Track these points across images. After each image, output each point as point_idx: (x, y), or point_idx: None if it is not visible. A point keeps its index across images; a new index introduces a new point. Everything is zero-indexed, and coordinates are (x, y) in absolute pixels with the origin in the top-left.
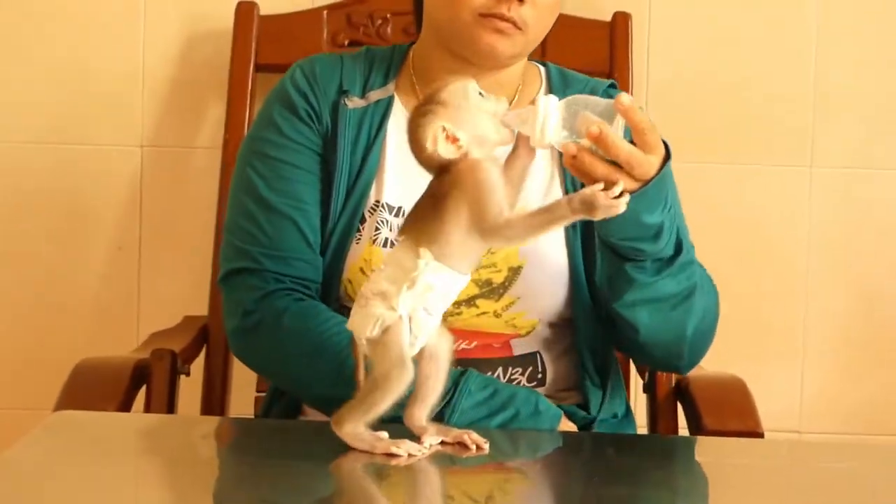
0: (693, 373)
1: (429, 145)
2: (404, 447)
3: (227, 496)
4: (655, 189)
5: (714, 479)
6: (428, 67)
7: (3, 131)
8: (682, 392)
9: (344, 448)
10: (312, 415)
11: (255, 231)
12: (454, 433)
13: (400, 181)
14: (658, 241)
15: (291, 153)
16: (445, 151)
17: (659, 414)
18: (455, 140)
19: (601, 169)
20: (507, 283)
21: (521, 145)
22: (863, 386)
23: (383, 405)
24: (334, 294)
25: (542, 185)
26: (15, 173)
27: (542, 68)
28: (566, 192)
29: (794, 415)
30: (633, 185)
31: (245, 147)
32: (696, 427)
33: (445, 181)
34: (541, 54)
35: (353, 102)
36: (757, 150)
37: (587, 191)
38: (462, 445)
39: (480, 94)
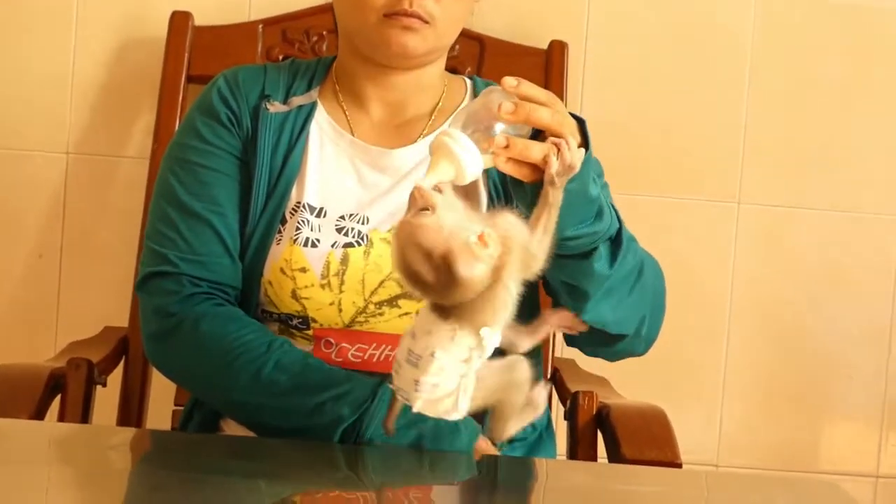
0: (614, 401)
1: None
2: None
3: None
4: (587, 158)
5: None
6: (349, 76)
7: None
8: (603, 420)
9: (258, 463)
10: (230, 429)
11: (174, 235)
12: None
13: (321, 183)
14: (603, 218)
15: (211, 158)
16: (489, 255)
17: (579, 441)
18: (483, 238)
19: (537, 147)
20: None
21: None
22: (781, 423)
23: None
24: (255, 296)
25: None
26: None
27: (468, 81)
28: (489, 193)
29: (712, 449)
30: (580, 154)
31: (167, 153)
32: (615, 455)
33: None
34: (475, 72)
35: (275, 107)
36: (686, 184)
37: (550, 161)
38: None
39: (437, 188)
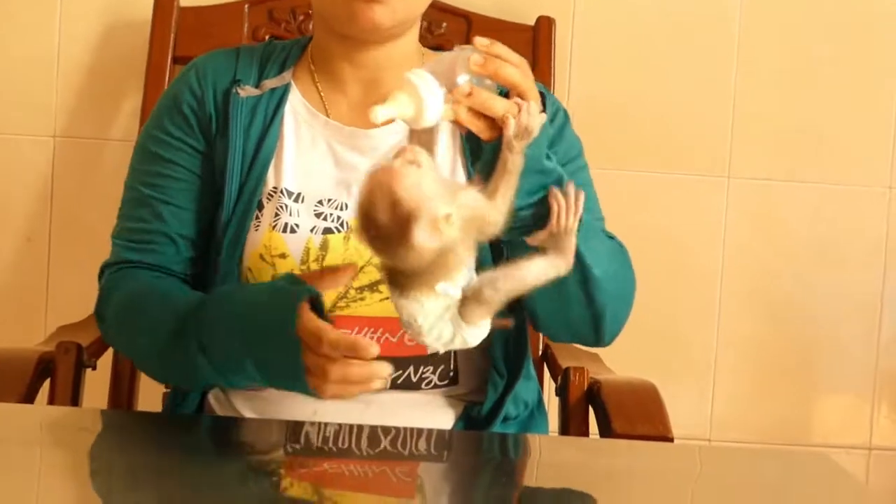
0: (605, 377)
1: (435, 243)
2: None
3: (123, 488)
4: (545, 129)
5: (622, 483)
6: (324, 55)
7: None
8: (594, 395)
9: (245, 444)
10: (218, 410)
11: (125, 224)
12: None
13: (298, 167)
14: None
15: (170, 150)
16: (451, 232)
17: (571, 417)
18: (448, 216)
19: (500, 102)
20: None
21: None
22: (772, 397)
23: None
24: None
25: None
26: None
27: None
28: (468, 175)
29: (703, 424)
30: (540, 118)
31: (137, 140)
32: (606, 431)
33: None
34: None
35: (246, 91)
36: (675, 159)
37: (509, 121)
38: None
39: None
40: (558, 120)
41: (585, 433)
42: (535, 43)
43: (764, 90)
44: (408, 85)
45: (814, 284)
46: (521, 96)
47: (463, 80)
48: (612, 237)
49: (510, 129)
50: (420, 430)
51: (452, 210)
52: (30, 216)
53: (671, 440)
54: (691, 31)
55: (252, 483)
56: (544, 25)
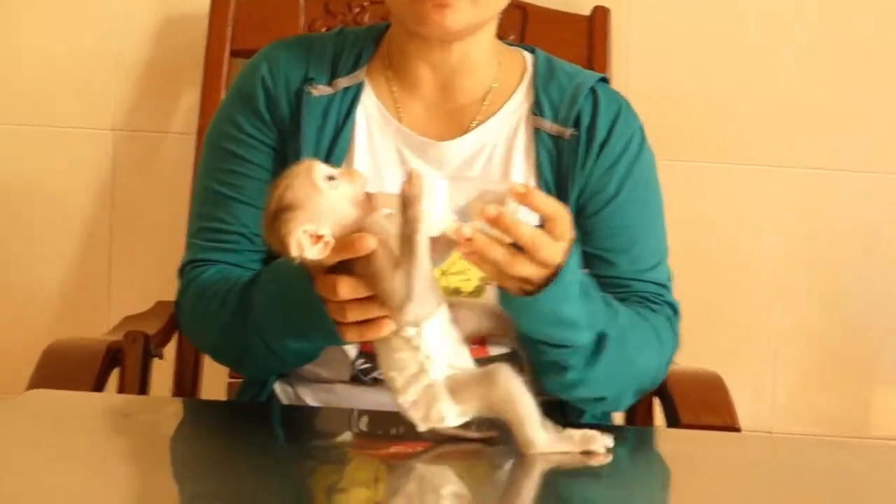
0: (671, 368)
1: (296, 254)
2: (600, 441)
3: (190, 475)
4: (571, 276)
5: (687, 472)
6: (399, 52)
7: None
8: (660, 387)
9: (311, 432)
10: (284, 399)
11: (202, 223)
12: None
13: (371, 170)
14: (580, 334)
15: (243, 146)
16: (314, 253)
17: (636, 408)
18: (319, 238)
19: (498, 251)
20: (476, 293)
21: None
22: (833, 389)
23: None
24: None
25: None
26: None
27: (528, 55)
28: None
29: (764, 416)
30: (537, 272)
31: (206, 135)
32: (673, 421)
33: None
34: (518, 40)
35: (319, 90)
36: (730, 149)
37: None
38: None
39: (330, 177)
40: (632, 146)
41: (650, 424)
42: (591, 33)
43: (813, 77)
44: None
45: (873, 275)
46: (532, 249)
47: (467, 218)
48: (657, 296)
49: (417, 208)
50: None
51: (326, 231)
52: (91, 210)
53: (738, 430)
54: (744, 20)
55: (321, 467)
56: (600, 15)
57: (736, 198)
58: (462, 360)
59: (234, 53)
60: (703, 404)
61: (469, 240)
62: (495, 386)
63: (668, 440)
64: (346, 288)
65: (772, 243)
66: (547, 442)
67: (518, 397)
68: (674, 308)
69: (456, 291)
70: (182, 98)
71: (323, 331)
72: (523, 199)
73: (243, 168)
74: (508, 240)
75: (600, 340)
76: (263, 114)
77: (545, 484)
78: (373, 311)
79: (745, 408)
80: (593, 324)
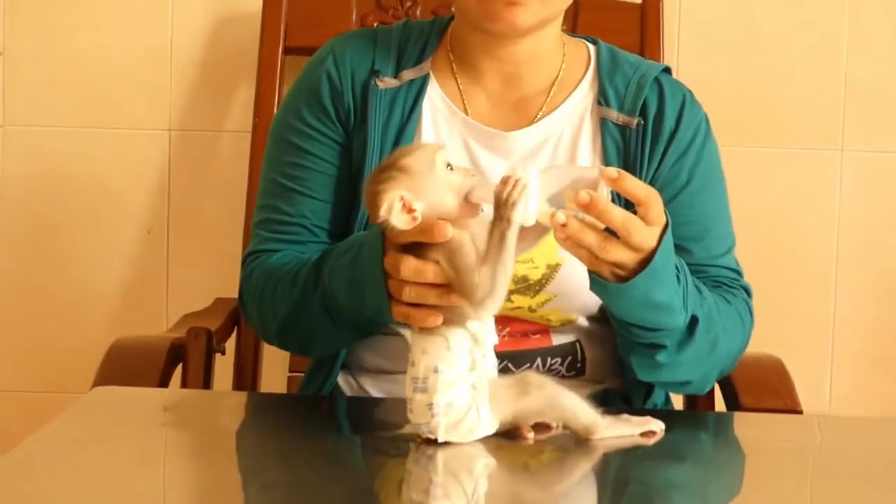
0: None
1: (383, 212)
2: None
3: (256, 467)
4: (663, 261)
5: (753, 454)
6: (463, 45)
7: (31, 115)
8: None
9: (375, 425)
10: (347, 393)
11: (264, 215)
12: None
13: None
14: (674, 317)
15: (309, 141)
16: (399, 221)
17: (697, 396)
18: (411, 210)
19: (592, 236)
20: (543, 281)
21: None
22: (891, 376)
23: None
24: None
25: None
26: (43, 157)
27: (591, 47)
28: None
29: (822, 403)
30: (630, 256)
31: (271, 127)
32: (734, 406)
33: (430, 256)
34: (570, 29)
35: (385, 83)
36: (787, 133)
37: (512, 196)
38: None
39: (449, 165)
40: (700, 135)
41: (711, 409)
42: (643, 22)
43: (876, 59)
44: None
45: None
46: (625, 233)
47: (559, 205)
48: (733, 280)
49: (510, 210)
50: None
51: (419, 207)
52: (148, 209)
53: (800, 413)
54: (800, 3)
55: (387, 460)
56: (652, 4)
57: (792, 184)
58: (491, 365)
59: (288, 51)
60: (764, 388)
61: (564, 225)
62: (534, 391)
63: (734, 424)
64: (409, 269)
65: (830, 228)
66: (606, 425)
67: (560, 394)
68: (748, 291)
69: (524, 279)
70: (236, 97)
71: (376, 302)
72: (616, 183)
73: (307, 161)
74: (602, 225)
75: (692, 324)
76: (328, 107)
77: (619, 467)
78: (429, 298)
79: (802, 396)
80: (686, 307)
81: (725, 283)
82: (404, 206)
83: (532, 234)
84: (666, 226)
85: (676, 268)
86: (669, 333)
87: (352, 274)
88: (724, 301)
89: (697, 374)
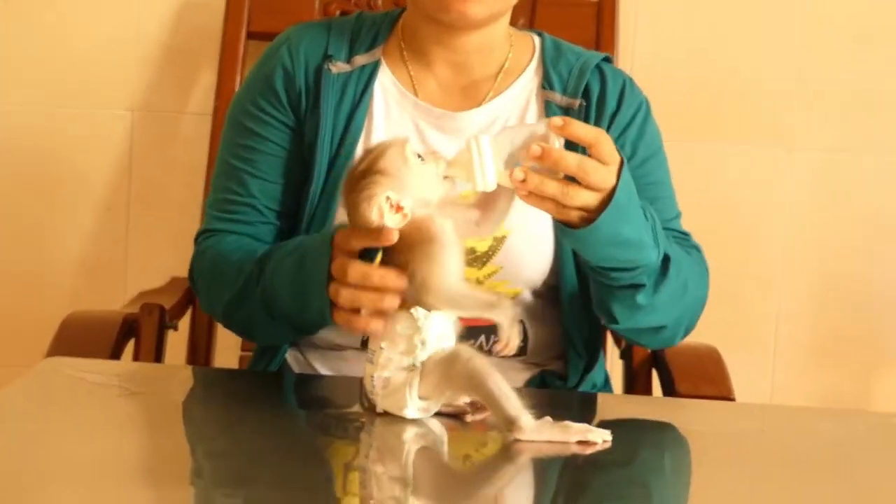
0: None
1: (374, 217)
2: (598, 433)
3: (201, 437)
4: (626, 196)
5: (684, 440)
6: (414, 34)
7: None
8: (658, 359)
9: (320, 401)
10: (295, 370)
11: (217, 195)
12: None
13: None
14: (647, 252)
15: (262, 125)
16: (392, 221)
17: (635, 380)
18: (400, 208)
19: (552, 185)
20: (490, 252)
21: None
22: (834, 370)
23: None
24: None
25: None
26: (5, 135)
27: (536, 38)
28: None
29: (764, 395)
30: (593, 197)
31: (228, 111)
32: (670, 392)
33: (400, 245)
34: (528, 24)
35: (338, 67)
36: (739, 130)
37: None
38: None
39: (419, 156)
40: (640, 114)
41: (648, 394)
42: (600, 18)
43: (830, 57)
44: (466, 151)
45: (878, 257)
46: (582, 174)
47: (518, 164)
48: (685, 239)
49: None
50: None
51: (407, 204)
52: (109, 187)
53: (733, 400)
54: (755, 1)
55: (331, 435)
56: (608, 0)
57: (741, 178)
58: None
59: (251, 36)
60: (700, 376)
61: (523, 181)
62: (457, 364)
63: (666, 409)
64: (356, 273)
65: (779, 226)
66: (534, 428)
67: (483, 373)
68: (699, 250)
69: (471, 251)
70: (199, 80)
71: (320, 306)
72: (563, 130)
73: (259, 144)
74: (560, 174)
75: (664, 263)
76: (280, 93)
77: (559, 457)
78: (364, 303)
79: (744, 387)
80: (657, 243)
81: (678, 241)
82: (392, 206)
83: (500, 199)
84: (622, 163)
85: (643, 208)
86: (646, 270)
87: (296, 277)
88: (685, 252)
89: (671, 318)
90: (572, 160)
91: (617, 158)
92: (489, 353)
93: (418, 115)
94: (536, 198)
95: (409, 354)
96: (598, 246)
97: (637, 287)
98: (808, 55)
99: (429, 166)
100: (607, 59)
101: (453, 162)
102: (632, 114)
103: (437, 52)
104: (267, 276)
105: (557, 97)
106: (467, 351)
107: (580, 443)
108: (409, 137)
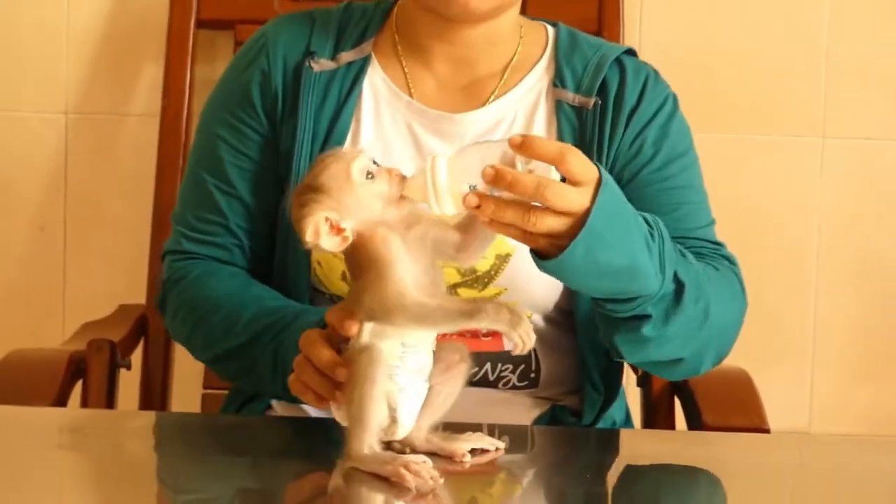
0: None
1: (309, 237)
2: (421, 469)
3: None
4: (604, 220)
5: (714, 478)
6: (411, 27)
7: None
8: (680, 386)
9: (309, 445)
10: (278, 409)
11: (184, 211)
12: (470, 438)
13: (377, 151)
14: (646, 281)
15: (233, 133)
16: (329, 244)
17: (656, 411)
18: (340, 230)
19: (509, 212)
20: (493, 272)
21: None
22: (879, 386)
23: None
24: (304, 277)
25: None
26: None
27: (550, 29)
28: None
29: (802, 417)
30: (561, 222)
31: (201, 112)
32: (696, 423)
33: (353, 267)
34: (521, 11)
35: (320, 65)
36: (763, 120)
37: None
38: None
39: (370, 173)
40: (664, 112)
41: (671, 427)
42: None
43: (860, 38)
44: (420, 173)
45: None
46: (542, 199)
47: (479, 184)
48: (716, 250)
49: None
50: (501, 426)
51: (348, 225)
52: (42, 202)
53: (767, 431)
54: None
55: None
56: None
57: (768, 175)
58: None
59: (200, 24)
60: (729, 404)
61: (477, 207)
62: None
63: (693, 444)
64: (321, 360)
65: (810, 223)
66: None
67: (365, 383)
68: (732, 261)
69: (472, 271)
70: (142, 76)
71: (280, 378)
72: (523, 149)
73: (233, 157)
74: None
75: (678, 290)
76: (256, 100)
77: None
78: (317, 386)
79: (779, 411)
80: (663, 269)
81: (706, 254)
82: (332, 227)
83: (476, 227)
84: (600, 181)
85: (649, 225)
86: (649, 301)
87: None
88: (712, 268)
89: (689, 350)
90: (529, 184)
91: (592, 176)
92: (495, 383)
93: (412, 116)
94: (498, 224)
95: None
96: (577, 277)
97: (641, 318)
98: (836, 33)
99: (378, 185)
100: (630, 52)
101: (409, 183)
102: (653, 111)
103: (436, 47)
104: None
105: (570, 96)
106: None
107: (473, 452)
108: (365, 150)
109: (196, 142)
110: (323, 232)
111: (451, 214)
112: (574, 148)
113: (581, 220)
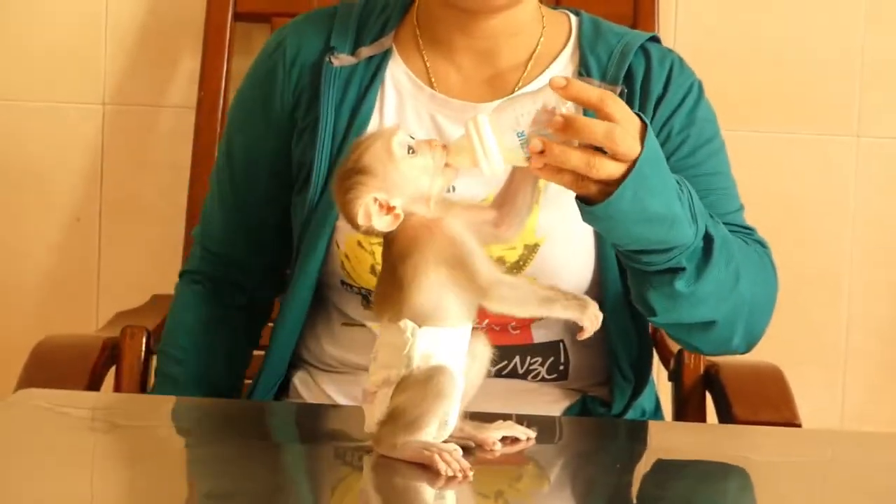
0: (724, 359)
1: (362, 222)
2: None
3: (192, 478)
4: (651, 165)
5: (744, 472)
6: (432, 20)
7: None
8: (712, 380)
9: (337, 431)
10: (296, 398)
11: (204, 227)
12: (501, 427)
13: None
14: (681, 229)
15: (253, 147)
16: (381, 224)
17: (686, 403)
18: (391, 209)
19: (576, 157)
20: (521, 262)
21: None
22: None
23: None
24: (333, 271)
25: None
26: None
27: (573, 18)
28: None
29: (834, 416)
30: (619, 168)
31: (228, 112)
32: (727, 417)
33: (398, 246)
34: (554, 1)
35: (340, 60)
36: (797, 117)
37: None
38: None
39: (410, 148)
40: (690, 98)
41: (702, 421)
42: None
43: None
44: (465, 136)
45: None
46: (609, 143)
47: (527, 132)
48: (748, 234)
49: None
50: (530, 416)
51: (398, 203)
52: (78, 193)
53: (798, 426)
54: None
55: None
56: None
57: (801, 173)
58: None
59: (238, 17)
60: (759, 398)
61: (542, 152)
62: (433, 383)
63: (722, 437)
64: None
65: (843, 222)
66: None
67: (445, 399)
68: (764, 245)
69: (500, 261)
70: (179, 68)
71: None
72: (566, 91)
73: (247, 164)
74: (575, 144)
75: (707, 244)
76: (274, 105)
77: (607, 492)
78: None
79: (811, 408)
80: (694, 219)
81: (741, 238)
82: (381, 207)
83: (519, 191)
84: (644, 128)
85: (677, 181)
86: (684, 252)
87: None
88: (743, 242)
89: (721, 312)
90: (600, 128)
91: (634, 121)
92: (524, 376)
93: (436, 108)
94: (552, 170)
95: (392, 370)
96: (622, 223)
97: (675, 272)
98: (872, 32)
99: (421, 158)
100: (654, 39)
101: (453, 149)
102: (680, 97)
103: (458, 40)
104: None
105: (595, 84)
106: (445, 373)
107: (503, 439)
108: (400, 126)
109: (220, 146)
110: (374, 212)
111: (498, 171)
112: (613, 94)
113: (630, 167)
